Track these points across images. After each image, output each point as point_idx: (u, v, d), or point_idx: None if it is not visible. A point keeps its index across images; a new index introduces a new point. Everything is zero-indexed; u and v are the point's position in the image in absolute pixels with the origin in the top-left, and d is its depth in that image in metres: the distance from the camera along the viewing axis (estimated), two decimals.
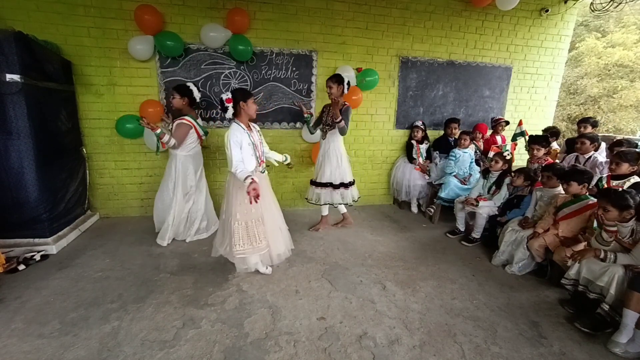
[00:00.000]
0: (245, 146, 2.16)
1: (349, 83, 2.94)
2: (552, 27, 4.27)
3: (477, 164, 3.72)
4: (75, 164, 3.20)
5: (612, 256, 1.93)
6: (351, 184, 3.16)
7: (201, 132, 2.95)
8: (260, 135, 2.39)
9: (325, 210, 3.32)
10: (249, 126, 2.29)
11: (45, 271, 2.42)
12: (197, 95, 2.94)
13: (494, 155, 3.15)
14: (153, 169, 3.56)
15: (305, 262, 2.66)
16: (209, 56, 3.41)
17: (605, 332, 1.87)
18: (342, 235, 3.26)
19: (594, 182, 2.49)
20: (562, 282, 2.15)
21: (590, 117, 3.69)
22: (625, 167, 2.41)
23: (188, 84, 2.94)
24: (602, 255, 1.97)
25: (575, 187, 2.33)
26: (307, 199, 3.23)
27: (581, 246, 2.22)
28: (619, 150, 2.63)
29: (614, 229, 1.92)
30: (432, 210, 3.67)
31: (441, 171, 3.82)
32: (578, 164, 2.85)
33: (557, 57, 4.42)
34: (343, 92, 2.91)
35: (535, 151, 3.10)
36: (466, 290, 2.32)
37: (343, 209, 3.35)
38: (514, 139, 4.00)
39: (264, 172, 2.39)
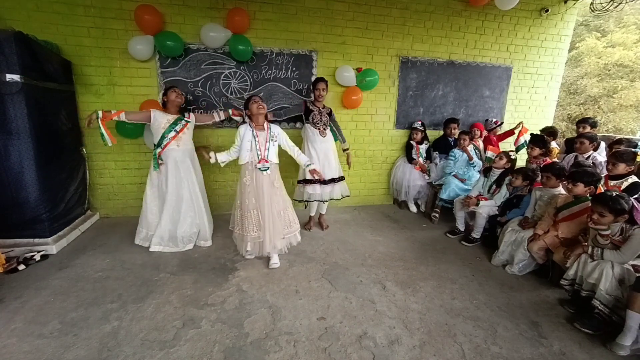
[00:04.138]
0: (244, 142, 2.49)
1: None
2: (552, 27, 4.27)
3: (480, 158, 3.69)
4: (75, 164, 3.19)
5: (598, 252, 1.94)
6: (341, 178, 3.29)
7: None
8: (272, 136, 2.54)
9: (324, 208, 3.38)
10: (262, 126, 2.54)
11: (45, 271, 2.42)
12: None
13: (500, 152, 3.16)
14: None
15: (305, 262, 2.66)
16: (209, 56, 3.41)
17: (605, 332, 1.86)
18: (342, 235, 3.26)
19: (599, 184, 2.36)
20: (561, 283, 2.15)
21: (589, 117, 3.70)
22: (622, 167, 2.41)
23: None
24: (589, 252, 1.98)
25: (581, 189, 2.28)
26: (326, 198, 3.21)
27: (581, 247, 2.21)
28: (616, 150, 2.62)
29: (608, 232, 1.92)
30: (437, 215, 3.62)
31: (441, 171, 3.82)
32: (589, 166, 2.79)
33: (557, 57, 4.42)
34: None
35: (530, 150, 3.10)
36: (466, 290, 2.33)
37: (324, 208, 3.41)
38: (518, 149, 3.96)
39: (265, 170, 2.46)
